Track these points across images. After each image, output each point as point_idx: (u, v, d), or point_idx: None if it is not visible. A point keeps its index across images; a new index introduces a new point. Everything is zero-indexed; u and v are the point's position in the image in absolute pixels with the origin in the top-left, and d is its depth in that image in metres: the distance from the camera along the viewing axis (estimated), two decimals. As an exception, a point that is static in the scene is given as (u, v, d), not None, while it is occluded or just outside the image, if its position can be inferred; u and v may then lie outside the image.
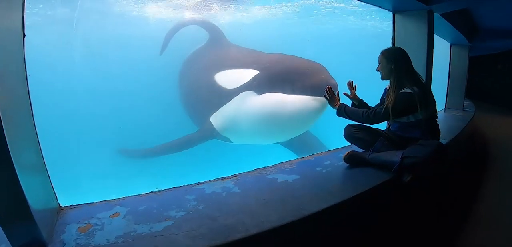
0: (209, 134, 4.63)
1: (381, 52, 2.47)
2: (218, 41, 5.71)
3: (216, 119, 4.56)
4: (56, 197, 1.82)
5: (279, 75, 3.97)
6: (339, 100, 2.67)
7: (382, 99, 2.71)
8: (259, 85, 4.05)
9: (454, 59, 5.61)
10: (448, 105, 5.90)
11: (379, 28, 11.01)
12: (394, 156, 2.33)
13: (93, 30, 8.75)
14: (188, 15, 8.39)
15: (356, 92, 2.77)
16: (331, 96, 2.67)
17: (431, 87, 3.09)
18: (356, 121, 2.54)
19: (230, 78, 4.44)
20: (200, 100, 5.17)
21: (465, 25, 4.67)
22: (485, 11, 3.87)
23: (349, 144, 3.20)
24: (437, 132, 2.48)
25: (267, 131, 4.39)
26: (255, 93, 4.06)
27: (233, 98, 4.27)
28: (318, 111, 3.84)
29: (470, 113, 5.64)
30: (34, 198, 1.35)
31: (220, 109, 4.46)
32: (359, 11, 9.27)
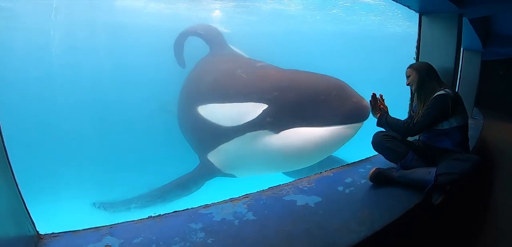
0: (210, 171, 3.86)
1: (409, 67, 2.43)
2: (218, 55, 4.94)
3: (215, 157, 3.77)
4: (34, 224, 1.47)
5: (298, 106, 3.13)
6: (380, 109, 2.49)
7: (410, 113, 2.62)
8: (273, 123, 3.18)
9: (466, 64, 5.39)
10: (456, 112, 5.68)
11: (399, 29, 10.61)
12: (427, 174, 2.07)
13: (76, 18, 7.97)
14: (183, 7, 7.87)
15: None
16: (374, 104, 2.50)
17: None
18: (397, 132, 2.37)
19: (228, 112, 3.50)
20: (196, 132, 4.28)
21: (482, 30, 4.44)
22: (510, 16, 3.64)
23: (365, 156, 2.99)
24: (468, 142, 2.30)
25: (287, 166, 3.74)
26: (270, 132, 3.20)
27: (236, 138, 3.41)
28: (350, 138, 3.16)
29: (479, 121, 5.44)
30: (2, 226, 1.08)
31: (219, 147, 3.64)
32: (379, 9, 8.83)
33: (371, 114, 2.59)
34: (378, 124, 2.47)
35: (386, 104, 2.53)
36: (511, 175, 4.05)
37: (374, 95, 2.51)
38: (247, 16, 9.35)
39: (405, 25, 9.84)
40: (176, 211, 1.75)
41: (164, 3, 7.92)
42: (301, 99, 3.10)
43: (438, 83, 2.29)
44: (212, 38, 5.49)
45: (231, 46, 5.45)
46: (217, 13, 8.94)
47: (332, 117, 3.00)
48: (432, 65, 2.39)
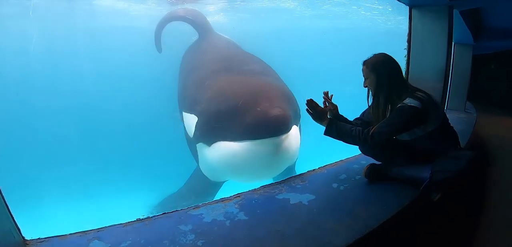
0: (205, 179, 3.64)
1: (364, 64, 2.08)
2: (207, 44, 4.78)
3: (203, 168, 3.58)
4: (19, 229, 1.42)
5: (217, 117, 2.95)
6: (327, 113, 2.12)
7: (365, 113, 2.33)
8: (204, 135, 3.11)
9: (458, 58, 5.41)
10: (449, 106, 5.70)
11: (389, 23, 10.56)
12: (423, 171, 2.02)
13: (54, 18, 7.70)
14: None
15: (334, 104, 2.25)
16: (314, 108, 2.08)
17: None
18: (349, 142, 2.07)
19: (188, 123, 3.48)
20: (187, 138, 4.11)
21: (472, 24, 4.45)
22: (500, 9, 3.65)
23: (359, 152, 2.92)
24: (456, 137, 2.20)
25: (248, 176, 3.31)
26: (205, 145, 3.13)
27: (196, 146, 3.37)
28: (269, 154, 2.81)
29: (472, 114, 5.47)
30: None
31: (203, 159, 3.46)
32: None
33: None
34: (326, 133, 2.06)
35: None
36: (506, 169, 4.06)
37: (310, 100, 2.08)
38: (237, 14, 9.30)
39: (396, 20, 9.86)
40: (165, 213, 1.69)
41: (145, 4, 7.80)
42: (219, 110, 2.95)
43: (401, 87, 2.01)
44: (199, 23, 5.33)
45: (219, 33, 5.31)
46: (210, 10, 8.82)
47: (240, 130, 2.77)
48: (394, 59, 2.06)
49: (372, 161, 2.36)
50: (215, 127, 2.94)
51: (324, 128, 2.08)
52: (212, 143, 3.03)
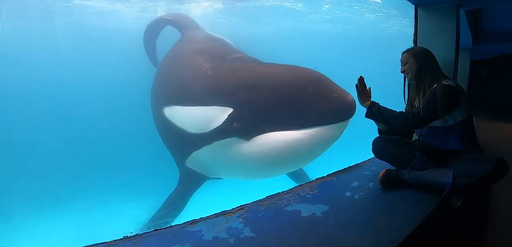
0: (192, 179, 3.45)
1: (406, 52, 2.18)
2: (189, 42, 4.39)
3: (193, 163, 3.37)
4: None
5: (269, 107, 2.68)
6: (370, 96, 2.12)
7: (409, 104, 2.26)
8: (242, 129, 2.75)
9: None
10: (447, 112, 5.61)
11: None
12: (443, 176, 1.85)
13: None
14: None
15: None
16: (362, 89, 2.10)
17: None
18: (391, 124, 2.08)
19: (193, 117, 3.09)
20: (169, 137, 3.86)
21: (472, 27, 4.38)
22: (504, 10, 3.58)
23: (367, 158, 2.75)
24: (477, 139, 2.10)
25: (268, 173, 3.28)
26: (240, 140, 2.79)
27: (205, 146, 3.03)
28: (334, 140, 2.75)
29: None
30: None
31: (192, 154, 3.24)
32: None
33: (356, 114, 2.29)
34: (368, 115, 2.08)
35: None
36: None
37: (361, 79, 2.11)
38: (230, 17, 9.18)
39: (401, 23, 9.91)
40: (157, 229, 1.44)
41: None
42: (271, 99, 2.67)
43: (439, 72, 2.09)
44: (184, 24, 4.99)
45: (206, 30, 4.97)
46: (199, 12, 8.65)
47: (309, 117, 2.57)
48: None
49: (382, 166, 2.18)
50: (268, 117, 2.67)
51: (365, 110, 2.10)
52: (257, 135, 2.71)
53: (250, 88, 2.78)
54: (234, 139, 2.81)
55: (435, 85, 1.98)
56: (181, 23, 5.03)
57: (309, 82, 2.66)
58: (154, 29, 5.55)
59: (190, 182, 3.48)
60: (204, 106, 2.98)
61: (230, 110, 2.77)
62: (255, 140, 2.73)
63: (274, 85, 2.74)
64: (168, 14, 6.32)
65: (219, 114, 2.83)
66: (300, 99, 2.61)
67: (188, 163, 3.39)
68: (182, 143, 3.31)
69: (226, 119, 2.78)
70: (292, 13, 9.46)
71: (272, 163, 2.86)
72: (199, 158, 3.20)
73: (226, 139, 2.84)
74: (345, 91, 2.63)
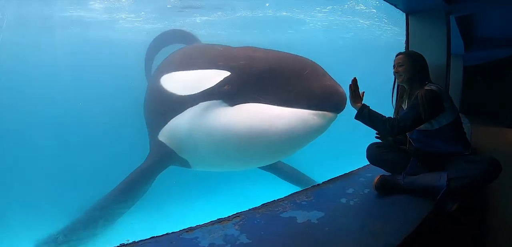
0: (161, 156, 3.33)
1: (402, 54, 2.19)
2: (189, 46, 4.50)
3: (166, 136, 3.30)
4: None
5: (264, 78, 2.73)
6: (362, 99, 2.11)
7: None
8: (231, 92, 2.79)
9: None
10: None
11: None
12: (438, 180, 1.87)
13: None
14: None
15: None
16: (354, 90, 2.09)
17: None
18: (378, 129, 2.10)
19: (184, 80, 3.15)
20: (149, 112, 3.90)
21: (464, 33, 4.47)
22: (495, 17, 3.67)
23: (362, 165, 2.76)
24: (467, 140, 2.12)
25: (241, 155, 3.18)
26: (224, 104, 2.82)
27: (188, 109, 3.01)
28: (320, 130, 2.76)
29: (466, 125, 5.42)
30: None
31: (171, 122, 3.21)
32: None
33: (349, 110, 2.25)
34: (358, 116, 2.07)
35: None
36: (506, 177, 3.95)
37: (355, 80, 2.10)
38: (224, 28, 9.28)
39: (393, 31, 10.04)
40: (154, 237, 1.44)
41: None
42: (266, 71, 2.75)
43: (428, 78, 2.11)
44: (186, 38, 5.15)
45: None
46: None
47: (298, 99, 2.61)
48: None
49: (377, 172, 2.20)
50: (260, 87, 2.72)
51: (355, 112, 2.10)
52: (242, 103, 2.77)
53: (250, 59, 2.90)
54: (219, 101, 2.85)
55: (419, 91, 2.00)
56: (182, 38, 5.16)
57: (307, 67, 2.74)
58: (157, 48, 5.63)
59: (156, 162, 3.34)
60: (200, 70, 3.08)
61: (226, 73, 2.85)
62: (239, 107, 2.80)
63: (273, 61, 2.85)
64: (172, 30, 6.39)
65: (213, 76, 2.90)
66: (294, 79, 2.68)
67: (162, 135, 3.33)
68: (165, 107, 3.30)
69: (220, 80, 2.85)
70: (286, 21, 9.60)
71: (249, 134, 2.81)
72: (175, 126, 3.16)
73: (211, 101, 2.88)
74: (339, 85, 2.69)
